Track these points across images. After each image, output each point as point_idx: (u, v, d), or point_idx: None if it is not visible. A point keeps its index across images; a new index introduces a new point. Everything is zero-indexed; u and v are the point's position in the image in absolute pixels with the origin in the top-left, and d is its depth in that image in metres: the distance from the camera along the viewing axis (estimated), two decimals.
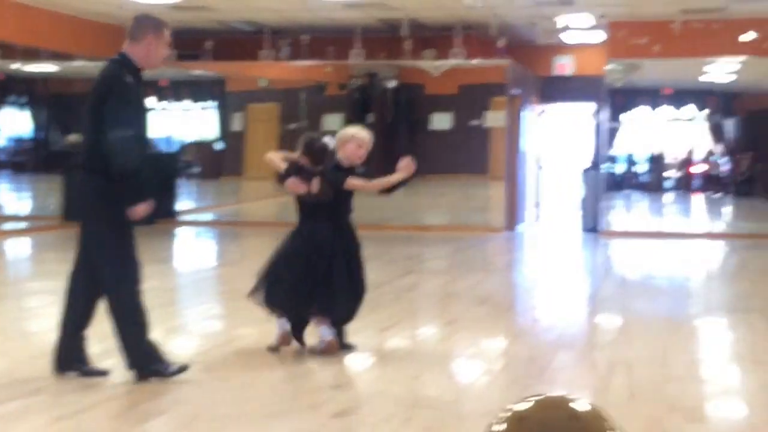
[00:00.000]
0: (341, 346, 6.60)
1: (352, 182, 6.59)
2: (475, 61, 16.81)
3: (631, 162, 27.23)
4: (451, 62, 16.77)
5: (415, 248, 14.21)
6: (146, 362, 5.79)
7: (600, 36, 17.13)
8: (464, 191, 17.70)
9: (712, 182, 28.15)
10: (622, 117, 25.86)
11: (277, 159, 6.71)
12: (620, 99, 19.95)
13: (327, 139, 6.78)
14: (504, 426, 1.76)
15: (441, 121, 17.66)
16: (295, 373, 6.34)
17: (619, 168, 28.13)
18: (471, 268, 12.41)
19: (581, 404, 1.80)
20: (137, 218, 5.79)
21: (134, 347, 5.78)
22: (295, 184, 6.54)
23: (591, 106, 18.58)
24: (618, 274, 12.79)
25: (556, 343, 7.55)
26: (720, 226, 19.89)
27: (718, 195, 26.99)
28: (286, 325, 6.59)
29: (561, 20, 16.15)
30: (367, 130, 6.88)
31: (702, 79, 21.70)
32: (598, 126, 18.03)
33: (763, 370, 6.67)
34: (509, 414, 1.78)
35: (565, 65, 18.67)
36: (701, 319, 8.86)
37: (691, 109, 27.40)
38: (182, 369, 5.86)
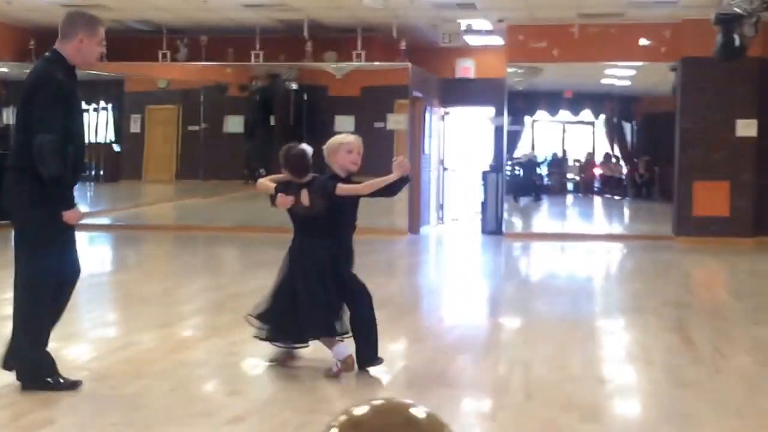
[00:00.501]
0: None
1: (342, 187, 6.24)
2: (376, 64, 16.84)
3: (533, 165, 27.57)
4: (352, 64, 16.77)
5: None
6: (38, 373, 5.63)
7: (501, 39, 17.31)
8: None
9: (611, 185, 28.66)
10: (524, 120, 26.17)
11: (267, 182, 6.43)
12: (521, 102, 20.10)
13: (303, 146, 6.57)
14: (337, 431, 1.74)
15: (344, 124, 17.58)
16: (189, 379, 6.22)
17: (521, 170, 28.46)
18: (373, 271, 12.31)
19: (419, 410, 1.77)
20: (72, 222, 5.66)
21: (28, 355, 5.62)
22: (282, 199, 6.24)
23: (492, 109, 18.74)
24: (519, 276, 12.92)
25: (457, 345, 7.57)
26: (619, 228, 20.23)
27: (618, 197, 27.50)
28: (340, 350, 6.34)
29: (463, 23, 16.26)
30: (355, 134, 6.82)
31: (602, 82, 22.05)
32: (498, 129, 18.20)
33: (655, 369, 6.78)
34: (344, 419, 1.75)
35: (467, 68, 18.79)
36: (598, 320, 8.99)
37: (590, 112, 27.88)
38: (75, 385, 5.70)
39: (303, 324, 6.22)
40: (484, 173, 17.92)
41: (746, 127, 15.75)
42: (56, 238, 5.64)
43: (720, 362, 6.96)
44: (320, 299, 6.17)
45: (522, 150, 25.24)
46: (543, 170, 27.85)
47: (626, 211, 24.12)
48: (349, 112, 17.39)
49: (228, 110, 17.73)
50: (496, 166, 17.97)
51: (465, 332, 8.21)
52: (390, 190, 6.47)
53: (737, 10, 12.39)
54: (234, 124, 17.57)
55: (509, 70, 17.16)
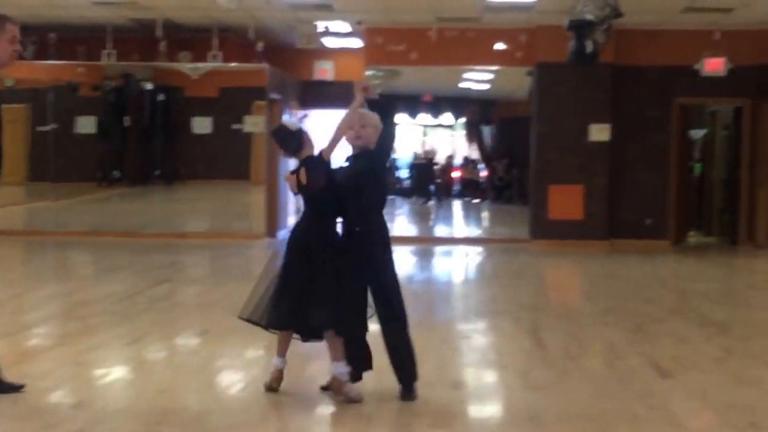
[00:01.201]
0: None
1: (324, 149, 5.88)
2: (233, 65, 16.70)
3: (393, 168, 27.75)
4: (208, 65, 16.58)
5: (172, 256, 13.95)
6: None
7: (359, 42, 17.35)
8: (225, 197, 17.48)
9: (471, 188, 29.11)
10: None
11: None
12: (381, 105, 20.21)
13: (286, 120, 6.33)
14: None
15: (201, 125, 17.36)
16: (33, 390, 6.02)
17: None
18: (229, 277, 12.28)
19: None
20: None
21: None
22: (288, 179, 6.05)
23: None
24: None
25: (310, 351, 7.51)
26: (477, 231, 20.52)
27: (477, 200, 27.94)
28: (282, 364, 6.10)
29: (321, 25, 16.24)
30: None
31: (461, 86, 22.32)
32: None
33: (508, 373, 6.90)
34: None
35: (325, 70, 18.77)
36: (455, 324, 9.09)
37: (450, 115, 28.27)
38: None
39: (310, 311, 5.87)
40: None
41: (599, 132, 16.18)
42: None
43: (569, 364, 7.12)
44: (330, 289, 5.83)
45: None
46: (404, 173, 28.21)
47: (485, 214, 24.56)
48: (206, 113, 17.19)
49: (79, 110, 17.28)
50: None
51: None
52: (385, 116, 5.99)
53: (589, 17, 12.74)
54: (85, 124, 17.14)
55: (368, 72, 17.22)
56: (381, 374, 6.15)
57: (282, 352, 6.08)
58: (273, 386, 6.04)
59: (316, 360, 7.12)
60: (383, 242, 5.97)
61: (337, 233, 6.01)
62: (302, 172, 5.89)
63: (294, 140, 5.97)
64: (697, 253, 16.13)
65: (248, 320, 6.14)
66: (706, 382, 6.58)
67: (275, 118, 17.06)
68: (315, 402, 5.95)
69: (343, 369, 5.87)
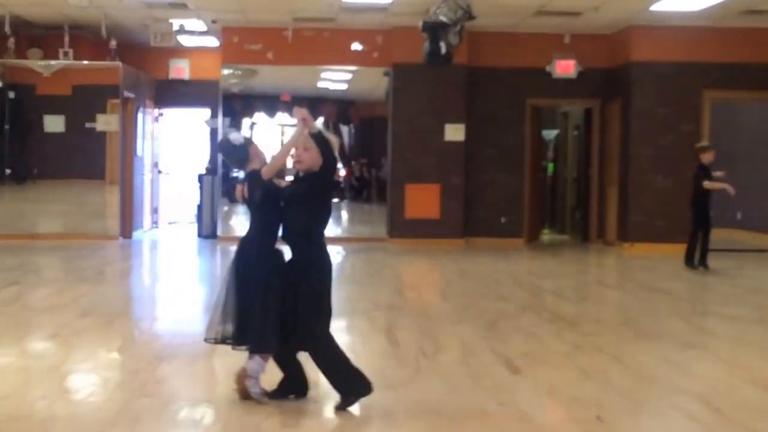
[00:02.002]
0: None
1: (264, 170, 5.75)
2: (85, 62, 16.32)
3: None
4: (60, 62, 16.17)
5: (22, 258, 13.55)
6: None
7: (215, 40, 17.20)
8: (79, 197, 17.03)
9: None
10: (242, 122, 26.07)
11: None
12: (238, 104, 20.04)
13: (232, 133, 6.10)
14: None
15: (53, 124, 16.89)
16: None
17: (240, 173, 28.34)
18: (81, 278, 11.98)
19: None
20: None
21: None
22: (237, 189, 5.98)
23: (208, 111, 18.58)
24: None
25: (163, 353, 7.42)
26: (337, 230, 20.53)
27: (336, 200, 27.97)
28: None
29: (175, 23, 16.01)
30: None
31: (319, 86, 22.30)
32: (214, 131, 18.06)
33: (365, 371, 6.91)
34: None
35: (181, 69, 18.52)
36: None
37: None
38: None
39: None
40: (200, 176, 17.76)
41: (455, 132, 16.43)
42: None
43: (423, 362, 7.18)
44: (253, 306, 5.77)
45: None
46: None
47: (344, 214, 24.59)
48: (58, 111, 16.75)
49: None
50: (212, 169, 17.83)
51: (172, 341, 8.05)
52: (322, 147, 5.76)
53: (442, 19, 12.87)
54: None
55: (224, 71, 17.09)
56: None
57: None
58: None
59: (169, 362, 7.04)
60: (315, 267, 5.82)
61: (274, 250, 5.92)
62: (241, 185, 5.89)
63: (238, 153, 5.94)
64: (550, 251, 16.54)
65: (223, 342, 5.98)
66: (554, 377, 6.72)
67: (129, 116, 16.76)
68: (167, 405, 5.85)
69: (256, 365, 5.79)
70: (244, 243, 5.93)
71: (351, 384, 5.75)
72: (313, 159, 5.75)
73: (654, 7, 14.28)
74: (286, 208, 5.82)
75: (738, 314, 9.70)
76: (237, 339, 5.89)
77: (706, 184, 13.04)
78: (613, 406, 5.97)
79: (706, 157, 13.16)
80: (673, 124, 15.95)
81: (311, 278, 5.77)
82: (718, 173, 13.26)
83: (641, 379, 6.73)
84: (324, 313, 5.83)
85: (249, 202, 5.89)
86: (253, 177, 5.82)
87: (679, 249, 13.89)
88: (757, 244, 16.51)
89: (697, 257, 13.27)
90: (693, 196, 13.25)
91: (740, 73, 15.97)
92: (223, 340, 5.94)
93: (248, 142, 6.02)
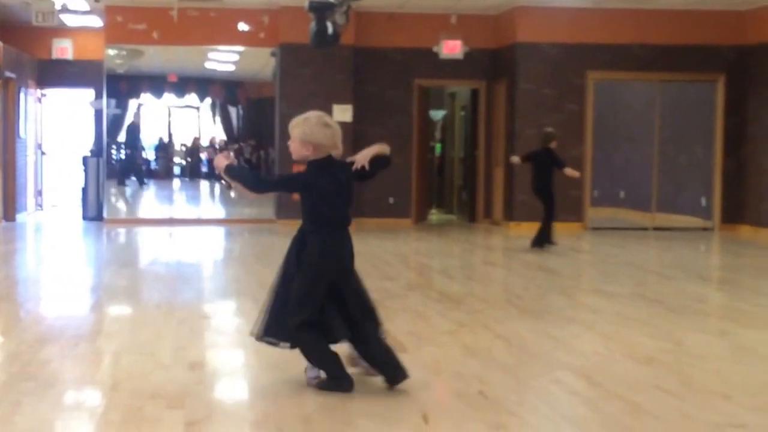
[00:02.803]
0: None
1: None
2: None
3: (138, 149, 27.11)
4: None
5: None
6: None
7: (99, 20, 16.87)
8: None
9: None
10: (127, 103, 25.64)
11: None
12: (124, 85, 19.70)
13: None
14: None
15: None
16: None
17: (125, 155, 27.89)
18: None
19: None
20: None
21: None
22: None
23: (92, 92, 18.25)
24: (119, 262, 12.62)
25: (45, 335, 7.27)
26: (225, 212, 20.39)
27: (224, 181, 27.71)
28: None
29: (58, 2, 15.64)
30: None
31: (206, 66, 22.05)
32: (98, 113, 17.75)
33: (248, 352, 6.88)
34: None
35: (64, 49, 18.13)
36: (197, 305, 8.97)
37: (196, 96, 27.86)
38: None
39: None
40: (85, 158, 17.43)
41: (342, 113, 16.41)
42: None
43: None
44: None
45: (126, 134, 24.73)
46: (150, 155, 27.57)
47: (233, 195, 24.38)
48: None
49: None
50: (97, 151, 17.52)
51: (55, 323, 7.91)
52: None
53: None
54: None
55: (108, 51, 16.79)
56: (121, 357, 6.01)
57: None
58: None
59: (52, 344, 6.90)
60: (308, 261, 5.71)
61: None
62: None
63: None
64: (437, 231, 16.68)
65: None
66: (439, 355, 6.77)
67: (11, 97, 16.34)
68: (50, 387, 5.73)
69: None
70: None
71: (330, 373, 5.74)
72: (296, 150, 5.75)
73: None
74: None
75: (619, 291, 9.91)
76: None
77: (568, 171, 13.31)
78: (496, 382, 6.03)
79: (554, 144, 13.39)
80: (558, 105, 16.23)
81: (301, 270, 5.72)
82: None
83: (524, 355, 6.84)
84: (300, 308, 5.71)
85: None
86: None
87: (564, 228, 14.15)
88: (639, 222, 16.92)
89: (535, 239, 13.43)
90: (546, 179, 13.38)
91: (623, 54, 16.31)
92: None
93: None
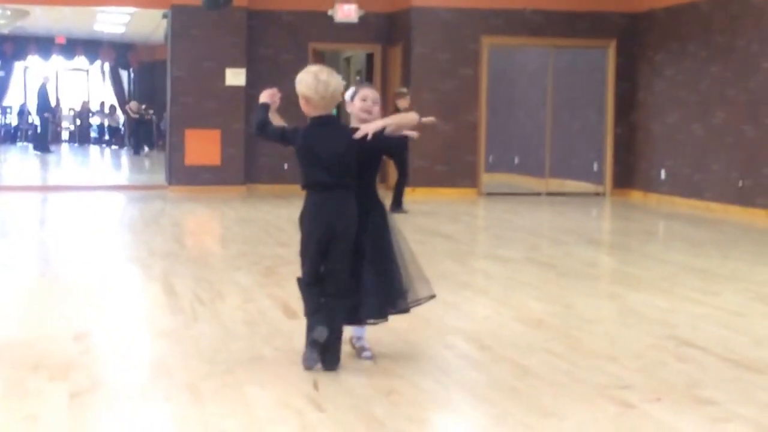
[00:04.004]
0: None
1: None
2: None
3: (23, 112, 26.50)
4: None
5: None
6: None
7: None
8: None
9: (109, 134, 28.37)
10: (12, 66, 25.02)
11: None
12: (9, 47, 19.19)
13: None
14: None
15: None
16: None
17: (11, 119, 27.24)
18: None
19: None
20: None
21: None
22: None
23: None
24: (6, 233, 12.29)
25: None
26: (116, 178, 20.07)
27: (116, 147, 27.26)
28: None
29: None
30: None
31: (95, 28, 21.59)
32: None
33: (137, 319, 6.78)
34: None
35: None
36: (81, 275, 8.79)
37: (85, 59, 27.31)
38: None
39: None
40: None
41: (235, 76, 16.27)
42: None
43: (199, 309, 7.08)
44: None
45: (12, 97, 24.07)
46: (35, 119, 26.96)
47: (124, 161, 24.02)
48: None
49: None
50: None
51: None
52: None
53: None
54: None
55: None
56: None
57: None
58: None
59: None
60: (301, 219, 5.76)
61: None
62: None
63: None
64: None
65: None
66: None
67: None
68: None
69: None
70: None
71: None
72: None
73: None
74: None
75: (511, 256, 10.02)
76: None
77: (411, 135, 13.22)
78: (388, 347, 6.04)
79: (402, 103, 13.30)
80: (454, 70, 16.29)
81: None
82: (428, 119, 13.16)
83: (416, 320, 6.82)
84: (302, 267, 5.74)
85: None
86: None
87: (459, 193, 14.22)
88: (532, 187, 17.15)
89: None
90: (395, 141, 13.20)
91: (515, 19, 16.43)
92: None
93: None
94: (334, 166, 5.55)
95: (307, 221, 5.64)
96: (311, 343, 5.49)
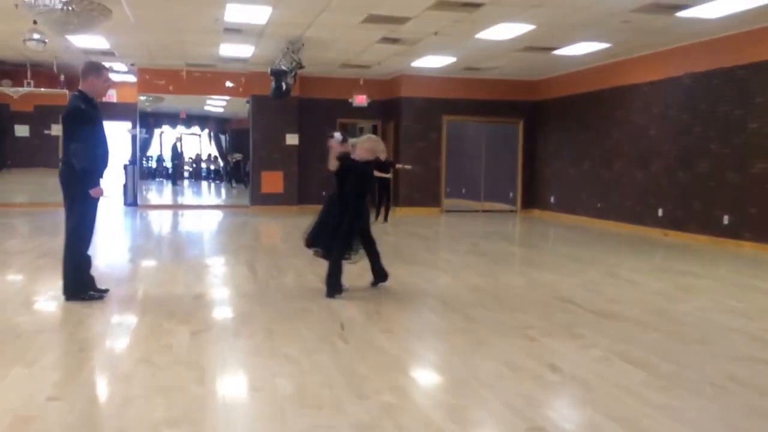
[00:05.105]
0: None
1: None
2: (42, 90, 15.20)
3: (160, 160, 26.45)
4: (24, 89, 15.00)
5: None
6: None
7: (134, 77, 16.36)
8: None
9: (214, 174, 28.31)
10: (153, 131, 24.97)
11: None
12: (151, 119, 19.13)
13: (336, 133, 6.69)
14: None
15: (22, 131, 15.77)
16: None
17: (152, 164, 27.17)
18: None
19: None
20: (96, 196, 5.59)
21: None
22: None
23: (129, 124, 17.73)
24: (150, 233, 12.26)
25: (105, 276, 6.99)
26: (218, 201, 20.03)
27: (218, 182, 27.16)
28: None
29: (106, 65, 15.06)
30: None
31: (205, 108, 21.54)
32: (134, 137, 17.26)
33: (230, 286, 6.73)
34: None
35: (111, 95, 17.53)
36: (198, 259, 8.71)
37: (198, 127, 27.26)
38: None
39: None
40: (125, 166, 16.92)
41: (292, 139, 16.27)
42: (90, 204, 5.64)
43: (270, 282, 7.08)
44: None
45: (153, 150, 24.07)
46: (168, 164, 26.85)
47: (222, 191, 23.93)
48: (25, 122, 15.63)
49: None
50: (133, 161, 17.03)
51: (112, 267, 7.65)
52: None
53: (283, 67, 12.67)
54: None
55: (140, 98, 16.28)
56: (148, 296, 5.78)
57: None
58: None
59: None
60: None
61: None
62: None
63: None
64: None
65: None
66: (352, 290, 6.64)
67: None
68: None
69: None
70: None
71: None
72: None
73: (414, 64, 14.53)
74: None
75: (461, 249, 10.03)
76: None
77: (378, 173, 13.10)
78: (387, 304, 6.06)
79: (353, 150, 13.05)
80: (426, 135, 16.31)
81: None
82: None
83: (404, 287, 6.86)
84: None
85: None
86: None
87: (429, 211, 14.16)
88: (473, 207, 17.14)
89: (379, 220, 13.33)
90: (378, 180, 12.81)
91: (464, 104, 16.47)
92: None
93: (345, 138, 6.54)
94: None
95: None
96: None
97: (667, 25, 10.11)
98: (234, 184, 25.59)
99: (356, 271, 7.80)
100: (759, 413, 3.47)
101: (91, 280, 5.88)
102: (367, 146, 6.37)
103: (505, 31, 10.74)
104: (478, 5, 9.15)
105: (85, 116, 5.55)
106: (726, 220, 10.78)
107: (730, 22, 9.94)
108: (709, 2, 8.85)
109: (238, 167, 26.66)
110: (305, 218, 14.61)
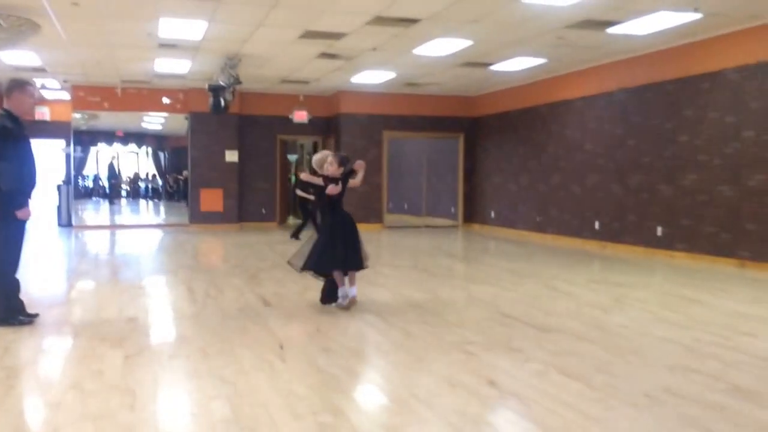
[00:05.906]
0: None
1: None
2: None
3: (97, 179, 25.81)
4: None
5: None
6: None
7: (67, 94, 15.92)
8: None
9: (152, 192, 27.74)
10: (89, 149, 24.34)
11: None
12: (86, 137, 18.63)
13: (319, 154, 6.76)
14: None
15: None
16: None
17: (88, 183, 26.50)
18: None
19: None
20: (23, 218, 5.41)
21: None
22: (332, 188, 6.54)
23: (63, 142, 17.22)
24: (85, 253, 11.87)
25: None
26: (157, 219, 19.59)
27: (156, 200, 26.60)
28: (352, 291, 6.39)
29: (38, 81, 14.64)
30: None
31: (142, 125, 21.10)
32: (68, 155, 16.77)
33: (167, 309, 6.57)
34: None
35: (43, 113, 17.02)
36: (133, 280, 8.51)
37: (135, 145, 26.72)
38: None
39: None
40: (59, 186, 16.40)
41: (231, 155, 16.09)
42: (16, 227, 5.45)
43: (209, 301, 6.93)
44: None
45: (87, 169, 23.39)
46: (105, 182, 26.20)
47: (162, 209, 23.45)
48: None
49: None
50: (67, 180, 16.52)
51: (43, 291, 7.35)
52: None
53: (221, 82, 12.52)
54: None
55: (75, 115, 15.85)
56: (83, 320, 5.57)
57: (345, 282, 6.44)
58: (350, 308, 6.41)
59: None
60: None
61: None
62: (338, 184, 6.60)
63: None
64: (287, 228, 16.47)
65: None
66: (292, 308, 6.65)
67: None
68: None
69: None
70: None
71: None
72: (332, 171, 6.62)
73: (353, 80, 14.55)
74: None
75: (402, 264, 10.04)
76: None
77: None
78: (328, 322, 5.98)
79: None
80: (367, 151, 16.32)
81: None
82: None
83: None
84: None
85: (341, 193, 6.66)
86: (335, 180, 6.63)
87: (371, 227, 14.14)
88: (415, 222, 17.22)
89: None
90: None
91: (404, 120, 16.58)
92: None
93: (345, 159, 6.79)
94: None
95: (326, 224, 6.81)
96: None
97: (599, 41, 10.39)
98: (187, 203, 25.12)
99: (297, 289, 7.67)
100: (693, 423, 3.52)
101: (21, 304, 5.64)
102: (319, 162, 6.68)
103: (442, 47, 10.86)
104: (414, 21, 9.23)
105: (10, 135, 5.33)
106: (659, 231, 11.07)
107: (658, 39, 10.28)
108: (637, 18, 9.13)
109: (187, 185, 26.30)
110: (246, 236, 14.56)
